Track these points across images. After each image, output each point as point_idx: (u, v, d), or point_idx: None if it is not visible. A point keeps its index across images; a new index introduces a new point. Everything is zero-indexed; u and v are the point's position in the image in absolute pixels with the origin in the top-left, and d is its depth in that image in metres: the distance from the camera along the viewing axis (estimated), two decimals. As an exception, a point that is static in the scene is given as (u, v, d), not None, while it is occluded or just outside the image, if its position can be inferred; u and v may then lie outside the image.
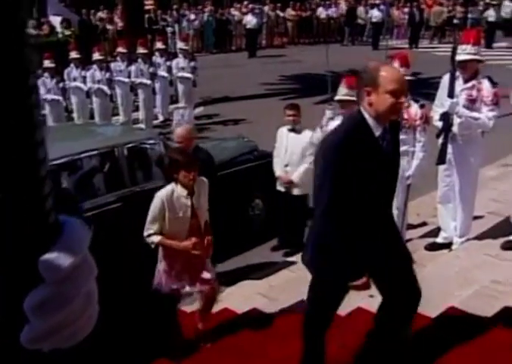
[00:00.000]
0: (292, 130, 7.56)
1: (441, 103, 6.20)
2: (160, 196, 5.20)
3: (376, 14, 28.02)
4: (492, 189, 8.24)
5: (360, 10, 30.04)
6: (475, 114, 6.01)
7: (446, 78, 6.18)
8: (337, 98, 7.03)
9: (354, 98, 6.95)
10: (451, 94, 5.98)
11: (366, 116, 3.60)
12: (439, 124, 6.20)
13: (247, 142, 9.24)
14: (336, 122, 7.06)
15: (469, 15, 29.09)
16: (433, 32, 28.97)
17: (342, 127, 3.84)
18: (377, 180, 3.66)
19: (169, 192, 5.20)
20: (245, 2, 29.68)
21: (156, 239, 5.21)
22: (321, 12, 30.14)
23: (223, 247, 5.79)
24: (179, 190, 5.19)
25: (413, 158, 6.61)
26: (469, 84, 6.09)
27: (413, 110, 6.53)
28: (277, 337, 5.37)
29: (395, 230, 4.06)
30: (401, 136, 6.62)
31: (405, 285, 3.90)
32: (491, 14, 27.07)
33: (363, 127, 3.60)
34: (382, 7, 29.45)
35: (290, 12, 29.90)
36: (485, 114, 5.96)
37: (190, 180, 5.14)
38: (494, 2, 29.15)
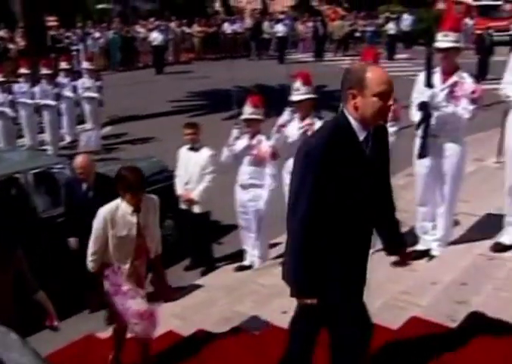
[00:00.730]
0: (191, 148, 7.62)
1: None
2: (103, 212, 4.98)
3: (280, 29, 28.47)
4: (400, 199, 8.44)
5: (266, 24, 30.45)
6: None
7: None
8: (243, 117, 7.13)
9: (259, 117, 7.13)
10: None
11: (351, 119, 3.35)
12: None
13: (156, 162, 9.21)
14: (243, 141, 7.17)
15: (370, 28, 30.00)
16: (337, 45, 29.63)
17: (325, 130, 3.53)
18: (361, 188, 3.43)
19: (113, 209, 4.97)
20: (151, 19, 29.63)
21: (92, 268, 5.10)
22: (227, 27, 30.38)
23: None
24: (124, 207, 4.97)
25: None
26: (370, 101, 6.27)
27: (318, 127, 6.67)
28: (195, 358, 5.35)
29: (367, 250, 3.77)
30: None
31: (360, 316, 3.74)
32: (391, 27, 27.93)
33: (347, 130, 3.35)
34: (286, 21, 30.03)
35: (196, 28, 30.02)
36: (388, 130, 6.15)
37: (137, 201, 4.95)
38: (394, 16, 30.15)
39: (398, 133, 6.26)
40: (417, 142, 5.84)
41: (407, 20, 29.63)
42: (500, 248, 5.79)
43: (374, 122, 3.38)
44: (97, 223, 5.00)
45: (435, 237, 6.17)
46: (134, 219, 4.99)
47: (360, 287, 3.69)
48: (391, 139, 6.14)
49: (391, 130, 6.13)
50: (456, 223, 6.56)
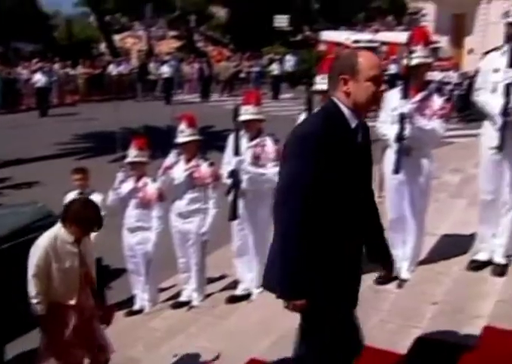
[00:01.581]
0: (81, 194, 7.49)
1: (228, 161, 6.46)
2: (43, 245, 4.63)
3: (166, 70, 28.54)
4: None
5: (151, 66, 30.50)
6: (260, 171, 6.36)
7: (232, 137, 6.45)
8: (127, 160, 7.12)
9: (144, 160, 7.15)
10: (236, 152, 6.26)
11: (342, 107, 3.19)
12: (228, 181, 6.45)
13: (41, 207, 8.96)
14: (128, 184, 7.14)
15: (255, 69, 30.65)
16: (222, 85, 30.00)
17: (315, 117, 3.31)
18: (355, 188, 3.26)
19: (52, 240, 4.65)
20: (34, 60, 29.02)
21: (41, 310, 4.69)
22: (112, 69, 30.18)
23: (25, 318, 5.46)
24: (65, 236, 4.68)
25: (206, 215, 6.88)
26: (254, 142, 6.43)
27: (204, 169, 6.78)
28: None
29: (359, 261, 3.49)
30: (193, 194, 6.86)
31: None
32: (275, 68, 28.74)
33: (339, 117, 3.18)
34: (172, 62, 30.15)
35: (80, 69, 29.66)
36: (270, 171, 6.33)
37: (83, 235, 4.73)
38: (277, 57, 30.99)
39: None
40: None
41: (290, 60, 30.58)
42: (384, 280, 5.97)
43: (367, 108, 3.26)
44: (38, 258, 4.64)
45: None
46: (75, 249, 4.73)
47: (349, 294, 3.45)
48: (275, 178, 6.33)
49: (274, 170, 6.31)
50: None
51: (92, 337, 5.03)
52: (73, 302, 4.80)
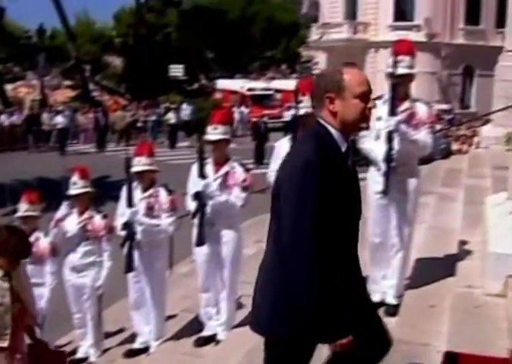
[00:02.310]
0: None
1: (122, 212, 6.42)
2: None
3: (60, 120, 28.17)
4: (184, 286, 8.56)
5: (45, 116, 29.96)
6: (154, 221, 6.35)
7: (125, 188, 6.42)
8: (18, 214, 6.98)
9: (35, 214, 7.01)
10: (130, 203, 6.23)
11: (330, 128, 3.00)
12: (123, 233, 6.39)
13: None
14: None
15: (152, 118, 30.71)
16: (119, 135, 29.78)
17: (308, 145, 3.00)
18: (353, 213, 3.08)
19: None
20: None
21: None
22: (4, 119, 29.44)
23: None
24: None
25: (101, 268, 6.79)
26: (147, 193, 6.43)
27: (97, 221, 6.74)
28: None
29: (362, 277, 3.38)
30: (87, 247, 6.79)
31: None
32: (171, 117, 28.90)
33: (330, 141, 2.99)
34: (66, 112, 29.76)
35: (-29, 120, 28.87)
36: (164, 221, 6.34)
37: (13, 267, 4.41)
38: (174, 106, 31.18)
39: (177, 222, 6.42)
40: (195, 230, 6.02)
41: (186, 109, 30.77)
42: None
43: (356, 127, 3.09)
44: None
45: (220, 322, 6.29)
46: (6, 284, 4.40)
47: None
48: (169, 228, 6.36)
49: (168, 220, 6.33)
50: (240, 306, 6.73)
51: None
52: (4, 344, 4.42)
